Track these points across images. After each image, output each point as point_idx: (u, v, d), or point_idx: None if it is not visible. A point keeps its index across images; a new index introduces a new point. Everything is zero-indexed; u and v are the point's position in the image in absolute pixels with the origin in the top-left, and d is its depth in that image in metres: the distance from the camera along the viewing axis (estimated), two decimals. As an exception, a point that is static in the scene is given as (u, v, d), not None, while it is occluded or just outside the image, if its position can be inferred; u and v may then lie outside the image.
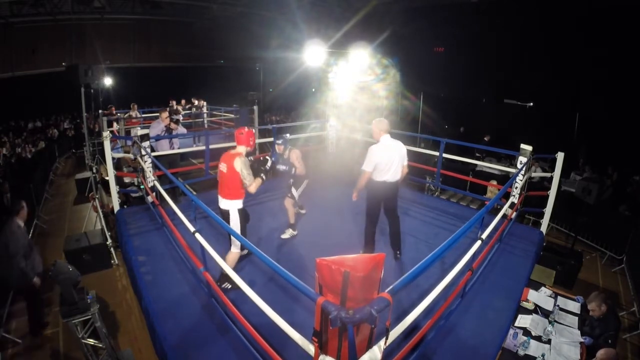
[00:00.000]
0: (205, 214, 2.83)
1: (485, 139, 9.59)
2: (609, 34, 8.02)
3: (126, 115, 10.26)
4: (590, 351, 2.94)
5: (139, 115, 10.51)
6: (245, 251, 3.66)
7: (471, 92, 11.17)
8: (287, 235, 4.42)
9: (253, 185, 3.20)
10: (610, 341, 3.00)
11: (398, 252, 3.96)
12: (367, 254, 3.80)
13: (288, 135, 4.46)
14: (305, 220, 4.91)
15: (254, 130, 3.27)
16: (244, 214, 3.32)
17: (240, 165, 3.11)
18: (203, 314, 3.03)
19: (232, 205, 3.23)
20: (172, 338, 2.75)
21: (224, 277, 3.23)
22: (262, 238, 4.36)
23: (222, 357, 2.62)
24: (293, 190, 4.36)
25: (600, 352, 2.70)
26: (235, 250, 3.33)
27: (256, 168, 3.40)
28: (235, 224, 3.25)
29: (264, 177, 3.33)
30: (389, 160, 3.53)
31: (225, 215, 3.26)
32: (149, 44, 16.41)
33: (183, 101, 12.58)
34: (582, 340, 2.99)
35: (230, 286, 3.21)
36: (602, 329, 3.11)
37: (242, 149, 3.27)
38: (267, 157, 3.53)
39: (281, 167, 4.10)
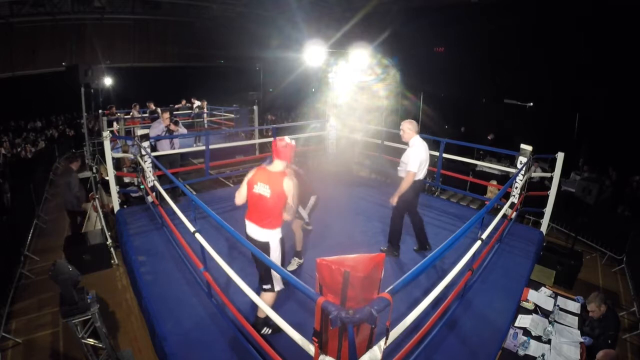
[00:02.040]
0: (205, 214, 2.83)
1: (489, 137, 9.58)
2: (609, 33, 8.02)
3: (129, 115, 10.38)
4: (590, 351, 2.94)
5: (137, 115, 10.57)
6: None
7: (471, 92, 11.17)
8: (294, 266, 3.68)
9: (292, 212, 2.63)
10: (610, 341, 3.00)
11: (428, 245, 4.07)
12: (388, 252, 3.83)
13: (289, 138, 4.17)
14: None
15: (294, 142, 2.69)
16: (283, 243, 2.73)
17: (292, 188, 2.52)
18: (203, 314, 3.03)
19: (273, 237, 2.62)
20: (172, 338, 2.75)
21: (262, 322, 2.75)
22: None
23: (222, 356, 2.62)
24: (300, 209, 3.64)
25: (600, 354, 2.70)
26: (277, 289, 2.67)
27: None
28: (277, 256, 2.65)
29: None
30: (425, 159, 3.71)
31: (263, 247, 2.58)
32: (148, 44, 16.40)
33: (183, 101, 12.63)
34: (582, 340, 2.99)
35: (269, 331, 2.74)
36: (602, 329, 3.11)
37: (283, 166, 2.62)
38: (301, 171, 3.33)
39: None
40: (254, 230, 2.65)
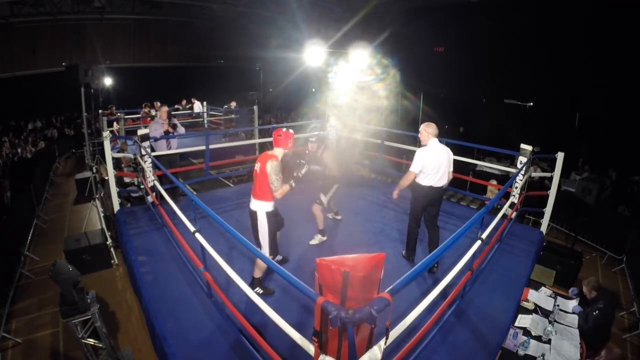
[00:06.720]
0: (205, 214, 2.83)
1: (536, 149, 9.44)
2: (609, 33, 8.02)
3: (141, 114, 10.47)
4: (589, 342, 2.97)
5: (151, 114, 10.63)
6: (280, 257, 3.62)
7: (471, 92, 11.17)
8: (316, 241, 4.26)
9: (279, 191, 3.04)
10: (605, 321, 3.09)
11: (435, 266, 3.72)
12: (408, 253, 3.87)
13: (321, 132, 4.28)
14: (304, 220, 4.90)
15: (292, 131, 3.14)
16: (273, 218, 3.13)
17: (270, 168, 2.96)
18: (203, 314, 3.03)
19: (260, 207, 3.08)
20: (172, 338, 2.75)
21: (256, 282, 3.25)
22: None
23: (222, 357, 2.62)
24: (321, 195, 4.19)
25: (604, 352, 2.70)
26: (266, 253, 3.19)
27: (288, 172, 3.25)
28: (263, 227, 3.10)
29: (293, 184, 3.18)
30: (437, 164, 3.47)
31: (253, 216, 3.12)
32: (148, 44, 16.37)
33: (184, 101, 12.63)
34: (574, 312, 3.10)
35: (262, 291, 3.22)
36: (595, 310, 3.19)
37: (278, 152, 3.12)
38: (304, 162, 3.42)
39: (314, 167, 3.82)
40: (250, 200, 3.16)
